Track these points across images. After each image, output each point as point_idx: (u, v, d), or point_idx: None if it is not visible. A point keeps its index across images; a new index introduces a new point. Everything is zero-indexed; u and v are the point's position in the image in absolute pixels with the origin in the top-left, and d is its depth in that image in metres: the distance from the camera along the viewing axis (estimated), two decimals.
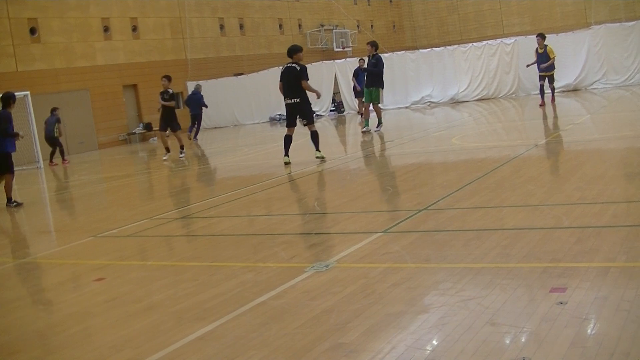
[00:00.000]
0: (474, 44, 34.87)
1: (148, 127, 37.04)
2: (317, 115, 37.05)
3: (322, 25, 50.57)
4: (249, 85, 38.79)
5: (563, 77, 31.02)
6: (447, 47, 35.66)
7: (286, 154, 17.20)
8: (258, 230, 10.60)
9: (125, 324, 6.49)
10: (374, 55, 23.27)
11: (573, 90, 30.92)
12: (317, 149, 17.21)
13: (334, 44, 50.28)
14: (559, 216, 8.58)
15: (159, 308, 6.86)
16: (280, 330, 5.73)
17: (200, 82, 39.05)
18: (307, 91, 17.01)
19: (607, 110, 22.54)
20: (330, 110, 37.48)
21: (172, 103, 24.44)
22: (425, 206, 10.04)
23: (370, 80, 23.32)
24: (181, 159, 23.19)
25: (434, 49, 36.24)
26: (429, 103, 34.46)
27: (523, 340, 4.92)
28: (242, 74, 40.72)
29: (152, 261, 9.28)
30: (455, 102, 33.52)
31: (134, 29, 37.62)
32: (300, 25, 49.41)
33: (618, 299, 5.43)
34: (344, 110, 37.01)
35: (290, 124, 17.32)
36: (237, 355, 5.31)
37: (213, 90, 38.64)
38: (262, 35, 45.86)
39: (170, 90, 24.47)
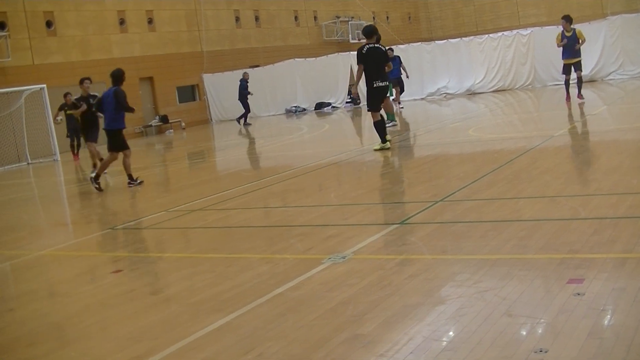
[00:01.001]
0: (490, 35, 34.72)
1: (164, 119, 37.13)
2: (333, 107, 37.03)
3: (338, 17, 50.48)
4: (265, 77, 38.81)
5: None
6: (463, 38, 35.54)
7: (385, 139, 16.44)
8: (274, 222, 10.62)
9: (142, 316, 6.52)
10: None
11: (589, 81, 30.68)
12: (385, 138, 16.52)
13: (350, 35, 50.16)
14: (575, 207, 8.56)
15: (176, 300, 6.89)
16: (297, 321, 5.75)
17: (216, 74, 39.22)
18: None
19: (623, 101, 22.44)
20: (346, 102, 37.45)
21: (83, 108, 19.76)
22: (442, 197, 10.03)
23: None
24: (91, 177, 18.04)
25: (449, 40, 36.11)
26: (445, 94, 34.38)
27: (540, 331, 4.91)
28: (257, 66, 40.73)
29: (169, 253, 9.32)
30: (471, 94, 33.40)
31: (150, 21, 37.66)
32: (315, 17, 49.33)
33: (635, 290, 5.41)
34: (359, 102, 36.95)
35: (380, 108, 16.70)
36: (254, 347, 5.33)
37: (228, 82, 38.69)
38: (277, 27, 45.83)
39: (96, 94, 19.84)
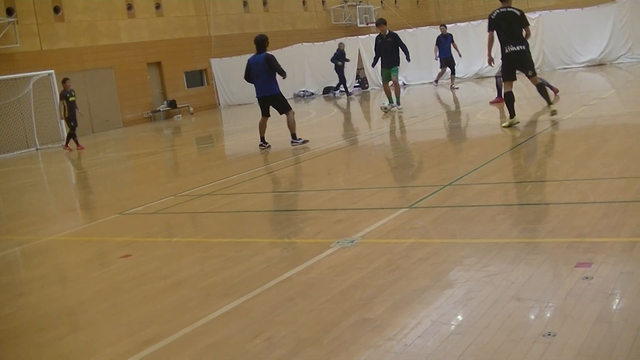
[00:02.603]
0: None
1: (173, 104, 37.13)
2: (341, 91, 36.95)
3: (346, 1, 50.31)
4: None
5: (588, 52, 30.80)
6: (472, 22, 35.34)
7: (514, 114, 15.01)
8: (284, 206, 10.64)
9: (152, 301, 6.55)
10: (388, 33, 22.68)
11: (598, 64, 30.62)
12: (550, 102, 15.34)
13: (358, 19, 50.06)
14: (584, 191, 8.55)
15: (185, 284, 6.91)
16: (306, 305, 5.77)
17: (224, 59, 39.19)
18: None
19: (632, 84, 22.36)
20: (355, 86, 37.39)
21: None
22: (451, 181, 10.03)
23: (391, 60, 22.71)
24: None
25: (458, 24, 35.92)
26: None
27: (548, 315, 4.92)
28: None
29: (178, 238, 9.35)
30: (479, 78, 33.26)
31: (158, 6, 37.58)
32: (323, 2, 49.17)
33: None
34: (368, 87, 36.92)
35: (513, 77, 15.17)
36: (263, 331, 5.35)
37: (236, 67, 38.60)
38: (285, 12, 45.72)
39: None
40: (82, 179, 17.38)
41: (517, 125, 14.73)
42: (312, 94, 37.91)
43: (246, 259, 7.50)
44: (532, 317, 4.93)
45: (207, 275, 7.08)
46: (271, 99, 16.78)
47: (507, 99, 15.05)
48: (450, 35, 29.70)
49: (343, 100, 32.69)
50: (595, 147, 11.69)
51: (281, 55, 37.86)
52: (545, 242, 6.62)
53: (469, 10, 57.20)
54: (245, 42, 41.41)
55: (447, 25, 30.81)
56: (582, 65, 30.32)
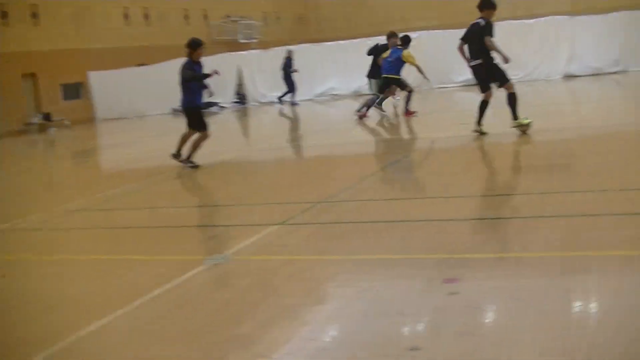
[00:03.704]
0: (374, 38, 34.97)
1: (47, 117, 36.26)
2: (221, 107, 36.81)
3: (229, 17, 50.28)
4: (151, 76, 38.19)
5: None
6: (353, 40, 35.74)
7: (516, 117, 13.96)
8: (158, 222, 10.50)
9: (32, 320, 6.37)
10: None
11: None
12: (515, 117, 13.96)
13: (240, 35, 50.06)
14: (457, 207, 8.72)
15: (51, 304, 6.73)
16: (177, 322, 5.71)
17: (102, 72, 38.48)
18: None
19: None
20: (233, 102, 37.22)
21: None
22: (325, 198, 10.09)
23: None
24: None
25: (339, 42, 36.28)
26: (334, 95, 34.54)
27: (415, 329, 5.00)
28: (144, 64, 40.18)
29: (46, 256, 9.11)
30: (359, 95, 33.49)
31: (34, 15, 36.77)
32: (206, 17, 49.02)
33: (514, 289, 5.55)
34: (246, 102, 36.87)
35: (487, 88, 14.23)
36: (132, 349, 5.27)
37: (115, 80, 38.06)
38: (166, 26, 45.31)
39: None
40: None
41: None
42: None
43: (116, 276, 7.37)
44: (400, 331, 4.99)
45: (77, 292, 6.94)
46: (189, 112, 15.54)
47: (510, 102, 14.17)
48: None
49: (222, 117, 32.60)
50: (472, 164, 11.95)
51: (160, 69, 37.42)
52: (416, 258, 6.71)
53: (353, 28, 57.73)
54: (125, 56, 40.99)
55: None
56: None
